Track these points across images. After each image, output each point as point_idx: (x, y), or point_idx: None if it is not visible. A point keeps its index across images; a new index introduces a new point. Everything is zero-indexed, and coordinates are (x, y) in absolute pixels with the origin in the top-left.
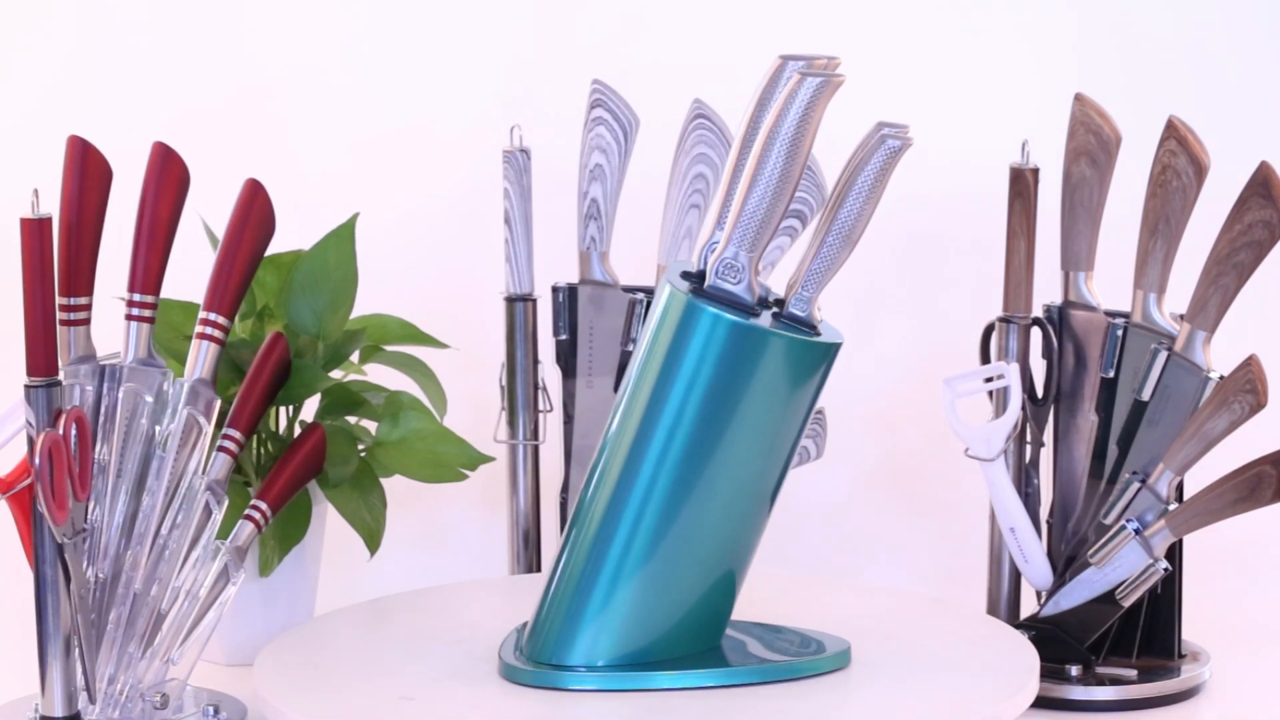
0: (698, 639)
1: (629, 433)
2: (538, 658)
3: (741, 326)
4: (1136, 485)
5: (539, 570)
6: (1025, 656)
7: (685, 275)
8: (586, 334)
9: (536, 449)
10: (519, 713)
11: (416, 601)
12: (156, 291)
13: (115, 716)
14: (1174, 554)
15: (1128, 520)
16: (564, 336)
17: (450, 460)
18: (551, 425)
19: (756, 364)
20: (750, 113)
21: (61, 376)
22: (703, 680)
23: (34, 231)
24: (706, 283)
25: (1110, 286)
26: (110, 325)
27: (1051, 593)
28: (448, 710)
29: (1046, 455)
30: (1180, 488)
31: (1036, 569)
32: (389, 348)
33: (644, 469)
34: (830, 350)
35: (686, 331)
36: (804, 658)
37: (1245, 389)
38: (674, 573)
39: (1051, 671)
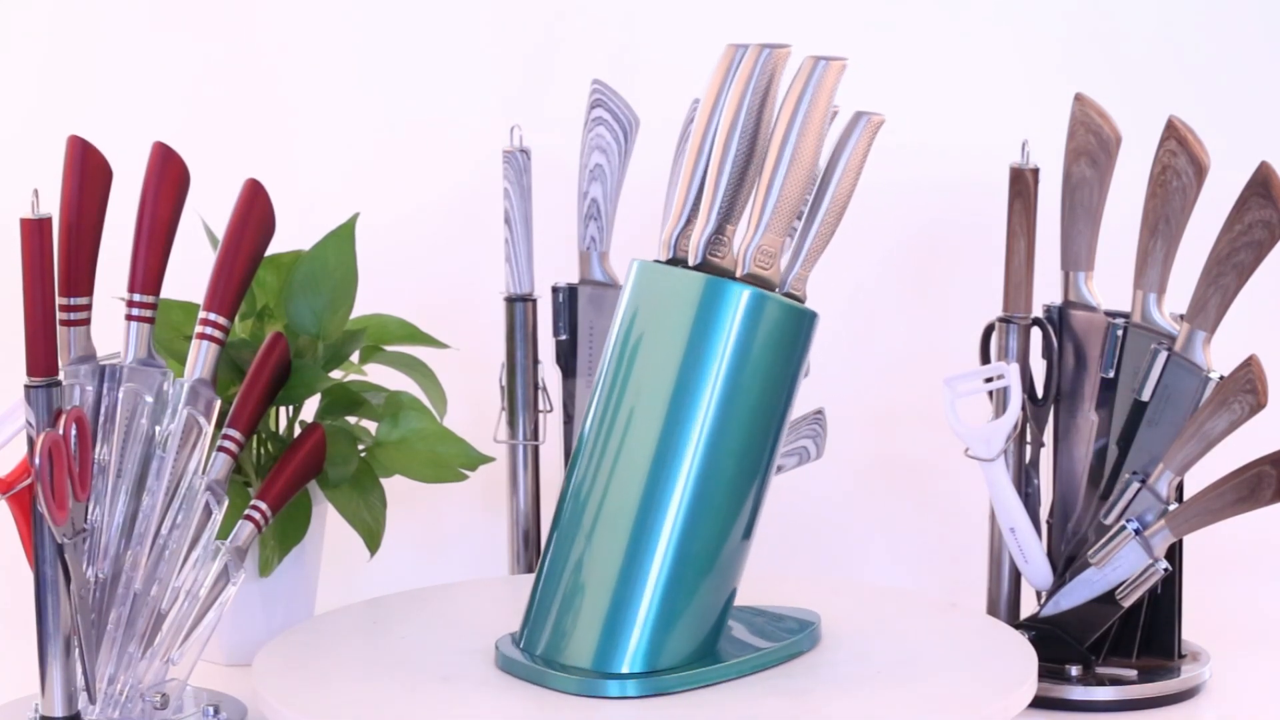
0: (712, 635)
1: (653, 426)
2: (573, 663)
3: (783, 306)
4: (1136, 485)
5: None
6: (1025, 656)
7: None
8: (586, 334)
9: (536, 449)
10: (528, 715)
11: (416, 601)
12: (156, 291)
13: (115, 716)
14: (1174, 554)
15: (1128, 520)
16: (564, 336)
17: (450, 460)
18: (551, 425)
19: (784, 344)
20: (737, 100)
21: (61, 376)
22: (714, 676)
23: (34, 231)
24: (740, 270)
25: (1110, 286)
26: (110, 325)
27: (1051, 593)
28: (450, 711)
29: (1046, 455)
30: (1180, 488)
31: (1036, 569)
32: (389, 348)
33: (681, 460)
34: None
35: (721, 314)
36: (797, 638)
37: (1245, 389)
38: (706, 569)
39: (1051, 671)
